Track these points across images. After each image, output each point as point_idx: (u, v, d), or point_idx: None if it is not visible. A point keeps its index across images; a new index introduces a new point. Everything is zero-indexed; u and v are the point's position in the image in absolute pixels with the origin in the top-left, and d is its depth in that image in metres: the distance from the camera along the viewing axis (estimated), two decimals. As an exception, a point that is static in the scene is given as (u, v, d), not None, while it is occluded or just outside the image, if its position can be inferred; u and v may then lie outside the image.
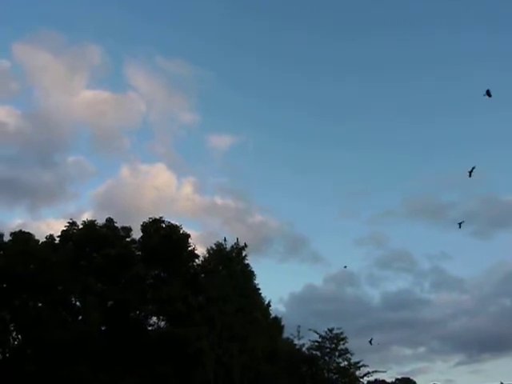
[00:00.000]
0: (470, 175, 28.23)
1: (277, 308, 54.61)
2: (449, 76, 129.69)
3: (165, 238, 35.63)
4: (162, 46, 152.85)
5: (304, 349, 49.15)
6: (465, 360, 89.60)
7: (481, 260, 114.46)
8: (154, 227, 36.51)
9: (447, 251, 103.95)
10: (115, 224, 36.61)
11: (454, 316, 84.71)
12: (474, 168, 28.09)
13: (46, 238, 35.21)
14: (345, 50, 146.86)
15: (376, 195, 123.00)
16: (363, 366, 49.47)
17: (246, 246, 42.53)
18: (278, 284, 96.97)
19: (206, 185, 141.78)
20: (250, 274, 41.81)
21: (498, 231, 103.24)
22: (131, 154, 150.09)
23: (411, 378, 79.18)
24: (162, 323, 35.24)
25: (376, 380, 57.62)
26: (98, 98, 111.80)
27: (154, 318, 35.43)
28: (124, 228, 36.95)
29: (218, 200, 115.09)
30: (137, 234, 36.87)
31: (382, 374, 53.27)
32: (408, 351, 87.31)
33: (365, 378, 50.44)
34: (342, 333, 49.90)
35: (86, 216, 41.13)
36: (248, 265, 42.20)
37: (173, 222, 37.15)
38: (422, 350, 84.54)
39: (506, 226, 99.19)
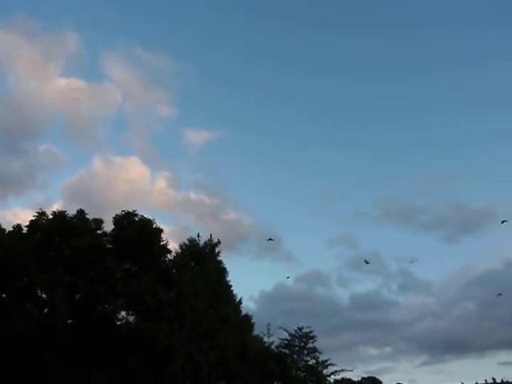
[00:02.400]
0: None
1: (248, 305, 54.80)
2: (428, 80, 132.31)
3: (137, 232, 35.07)
4: (142, 37, 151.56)
5: (273, 346, 49.37)
6: (428, 360, 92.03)
7: (448, 264, 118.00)
8: (127, 220, 35.90)
9: (416, 255, 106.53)
10: (86, 216, 35.81)
11: (420, 318, 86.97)
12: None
13: (13, 227, 34.09)
14: (324, 48, 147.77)
15: (350, 196, 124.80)
16: (331, 364, 50.08)
17: (219, 242, 42.34)
18: (249, 282, 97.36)
19: (180, 180, 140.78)
20: (222, 271, 41.65)
21: (465, 237, 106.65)
22: (105, 146, 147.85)
23: (377, 377, 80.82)
24: (132, 318, 34.68)
25: (343, 379, 58.38)
26: (72, 86, 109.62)
27: (124, 313, 34.83)
28: (95, 220, 36.16)
29: (193, 196, 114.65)
30: (108, 227, 36.23)
31: (348, 372, 53.99)
32: (374, 351, 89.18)
33: (332, 376, 51.09)
34: (311, 332, 50.36)
35: (56, 206, 40.12)
36: (221, 261, 42.05)
37: (146, 216, 36.69)
38: (388, 350, 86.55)
39: (474, 232, 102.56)
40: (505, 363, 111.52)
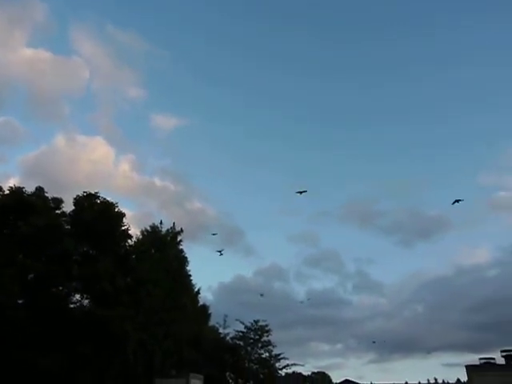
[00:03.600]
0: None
1: (205, 296, 54.76)
2: (397, 85, 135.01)
3: (98, 215, 34.23)
4: (115, 14, 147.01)
5: (228, 338, 49.74)
6: (376, 358, 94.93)
7: (402, 267, 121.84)
8: (88, 202, 34.96)
9: (372, 256, 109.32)
10: (45, 194, 34.59)
11: (372, 317, 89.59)
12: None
13: (-34, 201, 32.53)
14: (296, 45, 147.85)
15: (316, 195, 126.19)
16: (283, 358, 51.07)
17: (182, 231, 42.05)
18: (209, 272, 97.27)
19: (145, 164, 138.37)
20: (183, 260, 41.39)
21: (420, 242, 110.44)
22: (69, 123, 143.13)
23: (326, 372, 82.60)
24: (86, 302, 33.92)
25: (294, 372, 59.50)
26: (38, 57, 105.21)
27: (78, 296, 34.01)
28: (55, 199, 34.97)
29: (158, 181, 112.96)
30: (68, 207, 35.14)
31: (300, 367, 55.06)
32: (326, 347, 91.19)
33: (283, 370, 52.02)
34: (266, 325, 51.04)
35: (13, 182, 38.57)
36: (182, 250, 41.79)
37: (108, 198, 35.87)
38: (338, 346, 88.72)
39: (428, 238, 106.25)
40: (448, 364, 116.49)
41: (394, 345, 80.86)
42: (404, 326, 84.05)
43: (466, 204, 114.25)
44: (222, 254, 39.76)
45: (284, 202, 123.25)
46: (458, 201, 30.13)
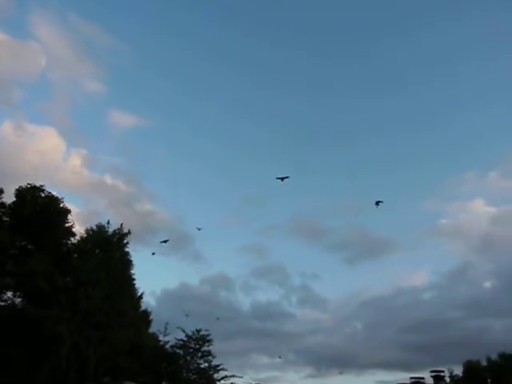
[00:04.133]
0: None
1: (148, 301, 53.12)
2: (350, 103, 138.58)
3: (41, 209, 32.51)
4: (81, 5, 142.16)
5: (168, 346, 48.40)
6: (314, 373, 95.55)
7: (345, 285, 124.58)
8: (31, 195, 33.14)
9: (318, 272, 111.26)
10: (-16, 182, 32.46)
11: (313, 332, 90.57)
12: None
13: None
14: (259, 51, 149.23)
15: (268, 207, 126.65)
16: (222, 369, 50.23)
17: (129, 232, 40.59)
18: (153, 277, 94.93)
19: (97, 161, 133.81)
20: (127, 263, 39.90)
21: (364, 261, 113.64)
22: (19, 110, 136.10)
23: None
24: (19, 300, 31.90)
25: (232, 384, 58.70)
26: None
27: (10, 294, 31.92)
28: (-6, 188, 32.87)
29: (108, 180, 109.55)
30: (8, 198, 33.09)
31: (238, 379, 54.44)
32: (266, 359, 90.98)
33: (222, 381, 51.18)
34: (208, 335, 50.13)
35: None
36: (128, 253, 40.27)
37: (54, 193, 34.18)
38: (278, 359, 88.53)
39: (372, 258, 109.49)
40: (381, 382, 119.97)
41: (331, 360, 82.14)
42: (343, 342, 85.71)
43: (409, 228, 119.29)
44: (156, 251, 38.86)
45: (236, 211, 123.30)
46: (378, 202, 30.14)
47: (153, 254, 38.53)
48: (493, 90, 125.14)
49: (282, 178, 29.87)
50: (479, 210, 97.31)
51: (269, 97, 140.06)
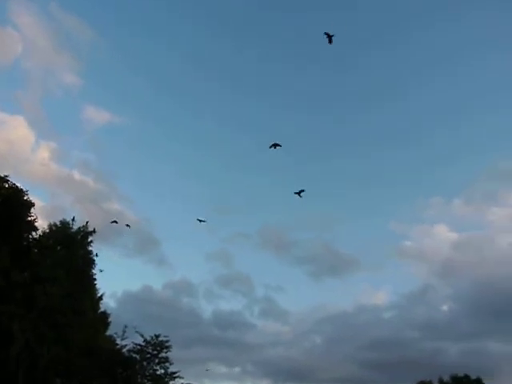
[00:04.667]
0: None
1: (107, 302, 51.94)
2: (326, 119, 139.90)
3: (3, 200, 31.45)
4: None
5: (125, 350, 47.27)
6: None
7: (308, 299, 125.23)
8: (-5, 184, 32.06)
9: (282, 284, 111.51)
10: None
11: (273, 344, 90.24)
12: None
13: None
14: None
15: (238, 216, 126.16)
16: (179, 377, 49.43)
17: (94, 231, 39.77)
18: (115, 278, 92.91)
19: (67, 155, 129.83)
20: (90, 262, 38.99)
21: (328, 277, 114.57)
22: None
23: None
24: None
25: (187, 392, 57.80)
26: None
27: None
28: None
29: (77, 175, 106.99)
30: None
31: (194, 387, 53.65)
32: (224, 369, 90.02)
33: (177, 389, 50.34)
34: (167, 341, 49.28)
35: None
36: (91, 252, 39.41)
37: (18, 184, 33.17)
38: (236, 370, 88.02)
39: (337, 274, 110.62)
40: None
41: (289, 373, 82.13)
42: (302, 356, 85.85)
43: (374, 248, 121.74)
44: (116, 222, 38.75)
45: (205, 217, 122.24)
46: (300, 192, 29.23)
47: (114, 222, 38.52)
48: (458, 116, 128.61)
49: (299, 193, 29.20)
50: (442, 235, 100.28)
51: (245, 104, 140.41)
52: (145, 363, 48.17)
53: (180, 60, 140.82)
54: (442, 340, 79.89)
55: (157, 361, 48.43)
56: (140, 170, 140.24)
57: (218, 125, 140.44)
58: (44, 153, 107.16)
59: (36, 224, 34.11)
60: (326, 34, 23.05)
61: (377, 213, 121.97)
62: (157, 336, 49.10)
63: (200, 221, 35.58)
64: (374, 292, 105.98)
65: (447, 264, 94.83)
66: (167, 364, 48.70)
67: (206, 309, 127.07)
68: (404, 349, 78.73)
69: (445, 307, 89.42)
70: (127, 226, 43.31)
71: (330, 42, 23.51)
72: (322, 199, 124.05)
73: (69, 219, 39.29)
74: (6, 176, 32.70)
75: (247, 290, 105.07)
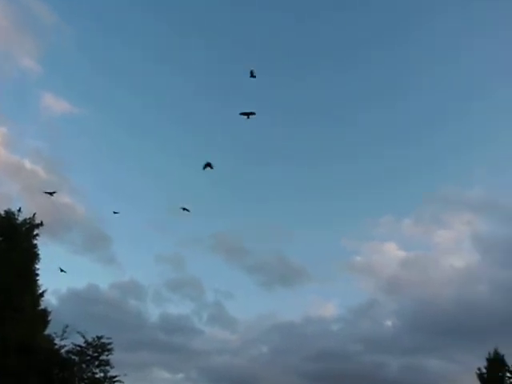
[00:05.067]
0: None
1: (49, 299, 49.55)
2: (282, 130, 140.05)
3: None
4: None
5: (63, 351, 45.24)
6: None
7: (258, 307, 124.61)
8: None
9: (233, 291, 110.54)
10: None
11: (220, 351, 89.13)
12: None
13: None
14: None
15: (193, 220, 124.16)
16: (118, 381, 47.83)
17: (41, 224, 38.03)
18: (60, 275, 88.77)
19: (18, 142, 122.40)
20: (34, 256, 37.20)
21: (279, 287, 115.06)
22: None
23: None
24: None
25: (126, 398, 56.02)
26: None
27: None
28: None
29: (28, 164, 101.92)
30: None
31: (134, 392, 52.18)
32: (167, 375, 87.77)
33: (116, 393, 48.69)
34: (110, 343, 47.63)
35: None
36: (36, 245, 37.61)
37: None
38: (180, 376, 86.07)
39: (287, 284, 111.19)
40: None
41: (234, 382, 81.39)
42: (248, 365, 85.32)
43: (325, 260, 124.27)
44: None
45: (159, 219, 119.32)
46: (248, 114, 25.97)
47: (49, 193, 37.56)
48: (407, 136, 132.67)
49: (248, 114, 25.48)
50: (391, 253, 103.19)
51: (209, 106, 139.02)
52: (84, 365, 46.28)
53: (143, 56, 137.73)
54: (384, 354, 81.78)
55: (97, 363, 46.63)
56: (95, 165, 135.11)
57: (181, 126, 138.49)
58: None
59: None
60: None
61: (330, 227, 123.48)
62: (99, 337, 47.35)
63: (183, 209, 34.09)
64: (323, 304, 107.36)
65: (393, 281, 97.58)
66: (108, 367, 47.02)
67: (154, 312, 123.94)
68: (347, 361, 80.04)
69: (389, 322, 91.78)
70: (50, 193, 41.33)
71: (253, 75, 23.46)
72: (278, 209, 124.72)
73: (14, 209, 37.47)
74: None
75: (197, 295, 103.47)
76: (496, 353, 50.25)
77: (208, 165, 27.33)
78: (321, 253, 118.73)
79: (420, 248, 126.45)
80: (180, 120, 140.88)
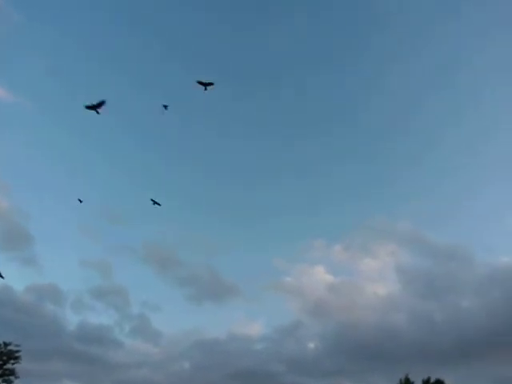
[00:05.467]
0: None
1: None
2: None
3: None
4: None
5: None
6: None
7: (184, 322, 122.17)
8: None
9: (160, 303, 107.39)
10: None
11: (139, 364, 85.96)
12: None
13: None
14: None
15: (125, 226, 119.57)
16: (23, 392, 44.84)
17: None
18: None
19: None
20: None
21: (207, 302, 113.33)
22: None
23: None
24: None
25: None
26: None
27: None
28: None
29: None
30: None
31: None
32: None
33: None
34: (18, 351, 44.63)
35: None
36: None
37: None
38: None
39: (216, 300, 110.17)
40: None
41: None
42: (167, 380, 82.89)
43: (255, 279, 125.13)
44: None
45: (89, 222, 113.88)
46: (206, 85, 25.26)
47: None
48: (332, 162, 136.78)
49: (205, 85, 24.38)
50: (319, 276, 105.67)
51: (142, 99, 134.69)
52: (-15, 374, 42.97)
53: (77, 47, 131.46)
54: (305, 376, 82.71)
55: (0, 373, 43.46)
56: (24, 158, 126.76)
57: (119, 125, 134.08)
58: None
59: None
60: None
61: (264, 247, 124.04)
62: (6, 344, 44.31)
63: (154, 202, 32.08)
64: (249, 322, 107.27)
65: (319, 304, 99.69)
66: (12, 377, 43.90)
67: (72, 319, 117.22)
68: (269, 381, 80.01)
69: (312, 344, 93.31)
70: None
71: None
72: (214, 225, 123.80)
73: None
74: None
75: (122, 304, 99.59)
76: (406, 379, 52.65)
77: (156, 202, 27.29)
78: (253, 271, 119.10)
79: (347, 274, 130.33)
80: (119, 121, 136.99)
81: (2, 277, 35.29)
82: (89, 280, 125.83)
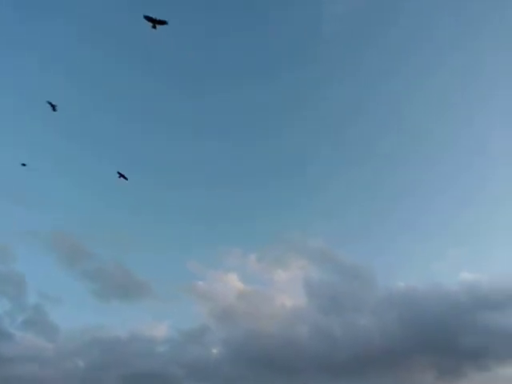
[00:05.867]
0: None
1: None
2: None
3: None
4: None
5: None
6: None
7: (86, 317, 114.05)
8: None
9: (62, 296, 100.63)
10: None
11: (28, 360, 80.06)
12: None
13: None
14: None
15: (35, 210, 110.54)
16: None
17: None
18: None
19: None
20: None
21: (114, 299, 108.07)
22: None
23: None
24: None
25: None
26: None
27: None
28: None
29: None
30: None
31: None
32: None
33: None
34: None
35: None
36: None
37: None
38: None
39: (124, 298, 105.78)
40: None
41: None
42: (57, 377, 78.20)
43: (168, 281, 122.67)
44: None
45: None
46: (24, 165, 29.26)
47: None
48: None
49: (154, 22, 20.20)
50: (231, 283, 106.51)
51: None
52: None
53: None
54: (203, 381, 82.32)
55: None
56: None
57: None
58: None
59: None
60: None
61: (179, 249, 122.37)
62: None
63: (120, 175, 29.18)
64: (155, 323, 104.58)
65: (228, 310, 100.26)
66: None
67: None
68: (165, 384, 78.76)
69: (215, 350, 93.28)
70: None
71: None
72: (129, 220, 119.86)
73: None
74: None
75: (17, 294, 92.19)
76: (303, 390, 54.77)
77: (122, 175, 25.92)
78: (166, 272, 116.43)
79: (259, 283, 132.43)
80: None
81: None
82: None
